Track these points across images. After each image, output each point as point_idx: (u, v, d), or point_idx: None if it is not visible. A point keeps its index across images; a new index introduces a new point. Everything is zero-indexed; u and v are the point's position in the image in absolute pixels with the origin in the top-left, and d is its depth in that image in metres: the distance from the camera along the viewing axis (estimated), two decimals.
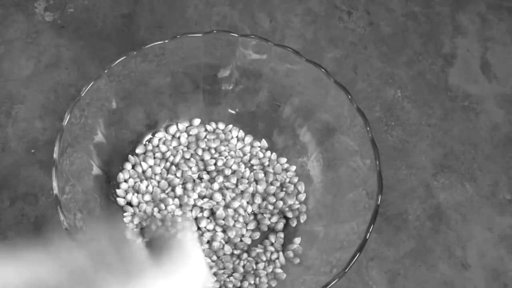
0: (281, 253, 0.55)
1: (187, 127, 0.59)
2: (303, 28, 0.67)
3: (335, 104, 0.54)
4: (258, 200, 0.56)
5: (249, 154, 0.59)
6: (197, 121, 0.60)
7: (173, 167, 0.57)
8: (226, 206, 0.55)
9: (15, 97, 0.61)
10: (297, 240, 0.55)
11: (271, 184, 0.57)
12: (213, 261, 0.54)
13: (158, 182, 0.56)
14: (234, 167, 0.58)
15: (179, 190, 0.56)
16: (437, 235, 0.59)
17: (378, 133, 0.62)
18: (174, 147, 0.58)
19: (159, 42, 0.53)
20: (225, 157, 0.58)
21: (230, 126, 0.60)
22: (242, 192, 0.57)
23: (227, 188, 0.56)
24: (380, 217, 0.58)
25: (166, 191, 0.56)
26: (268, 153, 0.59)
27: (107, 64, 0.52)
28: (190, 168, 0.57)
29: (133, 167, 0.57)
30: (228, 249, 0.54)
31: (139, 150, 0.58)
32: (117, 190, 0.55)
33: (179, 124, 0.59)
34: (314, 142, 0.57)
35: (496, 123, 0.65)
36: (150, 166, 0.57)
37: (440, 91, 0.66)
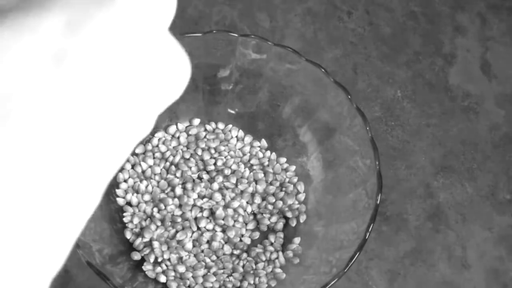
0: (280, 253, 0.55)
1: (186, 127, 0.59)
2: (303, 28, 0.67)
3: (335, 104, 0.54)
4: (257, 200, 0.56)
5: (248, 154, 0.59)
6: (196, 121, 0.60)
7: (173, 167, 0.57)
8: (226, 206, 0.55)
9: None
10: (297, 240, 0.55)
11: (271, 184, 0.57)
12: (212, 261, 0.54)
13: (158, 182, 0.56)
14: (234, 167, 0.58)
15: (178, 190, 0.56)
16: (437, 235, 0.59)
17: (378, 133, 0.62)
18: (173, 147, 0.58)
19: None
20: (225, 157, 0.58)
21: (230, 126, 0.60)
22: (242, 192, 0.57)
23: (227, 188, 0.56)
24: (380, 217, 0.58)
25: (166, 191, 0.56)
26: (268, 153, 0.59)
27: None
28: (190, 168, 0.57)
29: (133, 167, 0.57)
30: (227, 249, 0.54)
31: (138, 150, 0.58)
32: (116, 190, 0.55)
33: (178, 124, 0.59)
34: (314, 142, 0.57)
35: (496, 123, 0.65)
36: (150, 166, 0.57)
37: (440, 91, 0.66)
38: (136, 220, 0.54)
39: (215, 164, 0.57)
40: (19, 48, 0.15)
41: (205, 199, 0.56)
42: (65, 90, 0.15)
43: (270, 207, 0.56)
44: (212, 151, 0.58)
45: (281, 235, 0.56)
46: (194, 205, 0.55)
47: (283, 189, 0.57)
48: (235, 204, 0.55)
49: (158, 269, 0.53)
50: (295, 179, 0.58)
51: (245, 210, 0.56)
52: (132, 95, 0.17)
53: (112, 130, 0.16)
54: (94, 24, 0.16)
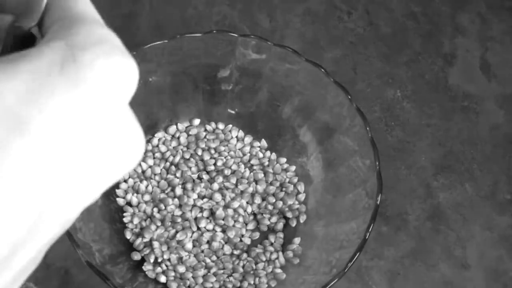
0: (280, 253, 0.55)
1: (186, 127, 0.59)
2: (303, 28, 0.67)
3: (334, 104, 0.54)
4: (257, 200, 0.56)
5: (248, 154, 0.59)
6: (196, 121, 0.60)
7: (173, 167, 0.57)
8: (226, 206, 0.55)
9: None
10: (297, 240, 0.55)
11: (271, 184, 0.57)
12: (212, 261, 0.54)
13: (158, 182, 0.56)
14: (234, 167, 0.58)
15: (178, 190, 0.56)
16: (437, 235, 0.59)
17: (378, 133, 0.62)
18: (173, 147, 0.58)
19: (159, 42, 0.53)
20: (225, 157, 0.58)
21: (230, 126, 0.60)
22: (242, 192, 0.57)
23: (227, 188, 0.56)
24: (380, 217, 0.58)
25: (166, 191, 0.56)
26: (268, 153, 0.59)
27: None
28: (190, 168, 0.57)
29: None
30: (227, 249, 0.54)
31: None
32: (116, 190, 0.55)
33: (178, 124, 0.59)
34: (314, 142, 0.57)
35: (496, 123, 0.65)
36: (150, 166, 0.57)
37: (440, 91, 0.66)
38: (136, 220, 0.54)
39: (215, 164, 0.57)
40: None
41: (205, 199, 0.56)
42: (20, 159, 0.16)
43: (270, 207, 0.56)
44: (212, 151, 0.58)
45: (281, 235, 0.56)
46: (194, 205, 0.55)
47: (283, 189, 0.57)
48: (235, 204, 0.55)
49: (158, 269, 0.53)
50: (295, 179, 0.58)
51: (245, 210, 0.56)
52: (83, 167, 0.18)
53: (60, 198, 0.17)
54: (54, 99, 0.16)
